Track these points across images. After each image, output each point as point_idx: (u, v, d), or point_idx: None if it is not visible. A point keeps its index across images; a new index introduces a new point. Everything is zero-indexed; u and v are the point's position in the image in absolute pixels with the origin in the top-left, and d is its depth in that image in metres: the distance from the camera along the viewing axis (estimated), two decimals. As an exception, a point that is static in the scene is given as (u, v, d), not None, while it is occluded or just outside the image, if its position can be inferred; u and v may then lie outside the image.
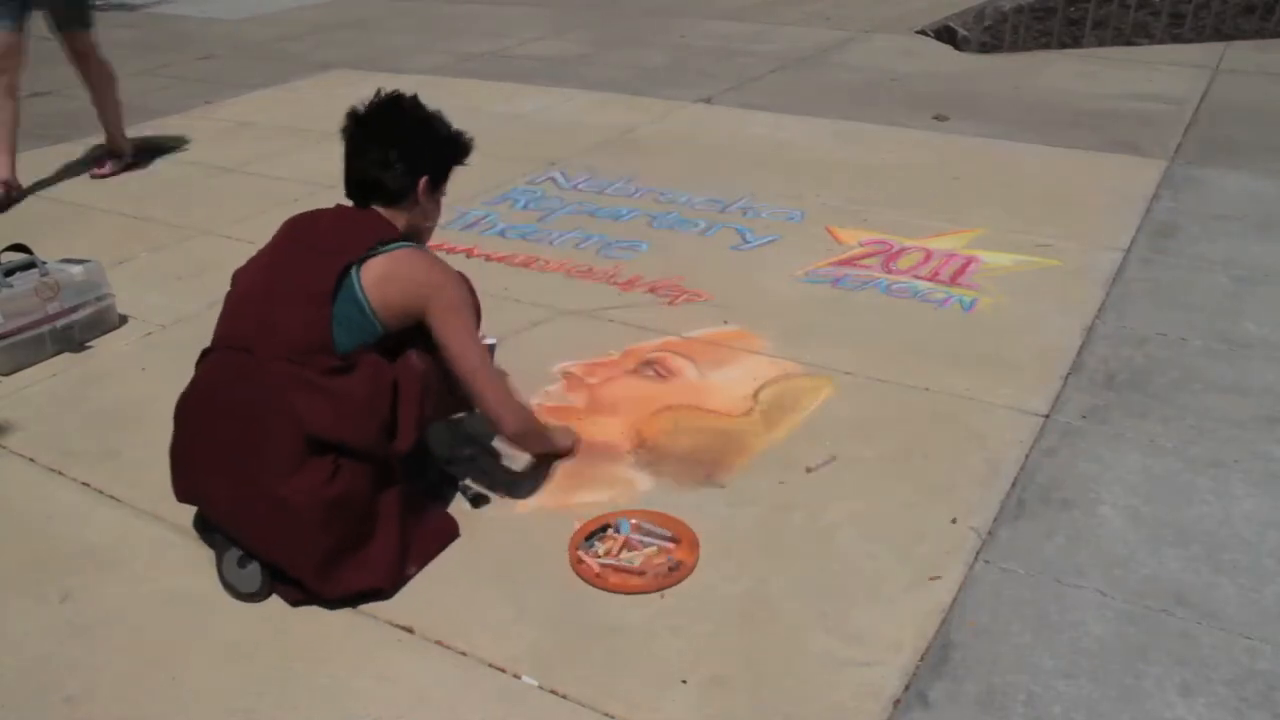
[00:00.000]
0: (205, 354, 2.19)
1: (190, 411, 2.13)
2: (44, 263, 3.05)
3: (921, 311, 3.21)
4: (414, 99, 2.31)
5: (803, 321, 3.15)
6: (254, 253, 2.24)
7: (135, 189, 4.57)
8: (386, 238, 2.16)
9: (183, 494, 2.15)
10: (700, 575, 2.08)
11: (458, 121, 2.40)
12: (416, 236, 2.29)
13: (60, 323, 3.03)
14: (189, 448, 2.12)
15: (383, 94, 2.29)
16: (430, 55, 7.00)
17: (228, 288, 2.22)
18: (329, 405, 2.02)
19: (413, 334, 2.15)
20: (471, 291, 2.23)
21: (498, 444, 2.52)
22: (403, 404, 2.11)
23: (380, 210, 2.22)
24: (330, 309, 2.06)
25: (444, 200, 2.37)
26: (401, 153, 2.21)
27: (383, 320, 2.10)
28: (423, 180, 2.23)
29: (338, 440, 2.01)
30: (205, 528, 2.19)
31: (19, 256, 3.04)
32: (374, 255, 2.11)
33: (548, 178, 4.48)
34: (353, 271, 2.09)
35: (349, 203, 2.26)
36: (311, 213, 2.30)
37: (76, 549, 2.22)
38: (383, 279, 2.10)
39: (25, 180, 4.58)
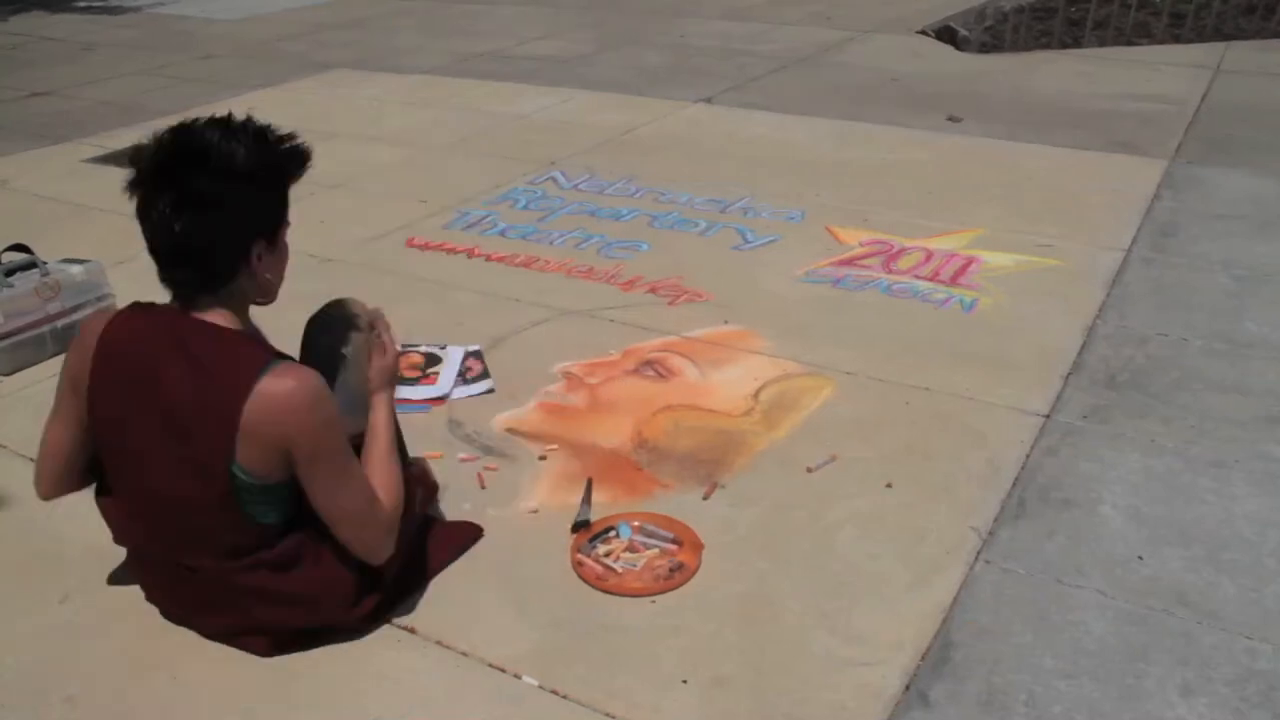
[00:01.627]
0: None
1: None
2: (44, 263, 3.05)
3: (922, 311, 3.21)
4: (225, 120, 1.71)
5: (803, 321, 3.15)
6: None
7: (135, 189, 4.56)
8: (228, 396, 1.70)
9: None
10: (700, 575, 2.08)
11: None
12: (257, 305, 1.85)
13: (61, 323, 3.02)
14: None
15: (181, 134, 1.68)
16: (430, 55, 7.00)
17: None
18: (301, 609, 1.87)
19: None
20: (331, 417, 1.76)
21: (498, 446, 2.52)
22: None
23: (207, 315, 1.77)
24: (237, 508, 1.77)
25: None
26: (213, 219, 1.68)
27: (257, 475, 1.75)
28: (255, 246, 1.75)
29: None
30: None
31: (20, 256, 3.04)
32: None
33: (548, 178, 4.48)
34: (233, 470, 1.73)
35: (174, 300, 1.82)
36: (133, 356, 1.78)
37: (76, 549, 2.21)
38: (248, 448, 1.72)
39: (25, 180, 4.58)
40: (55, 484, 1.98)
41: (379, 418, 1.96)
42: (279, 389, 1.69)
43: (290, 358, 1.83)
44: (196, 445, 1.72)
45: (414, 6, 8.87)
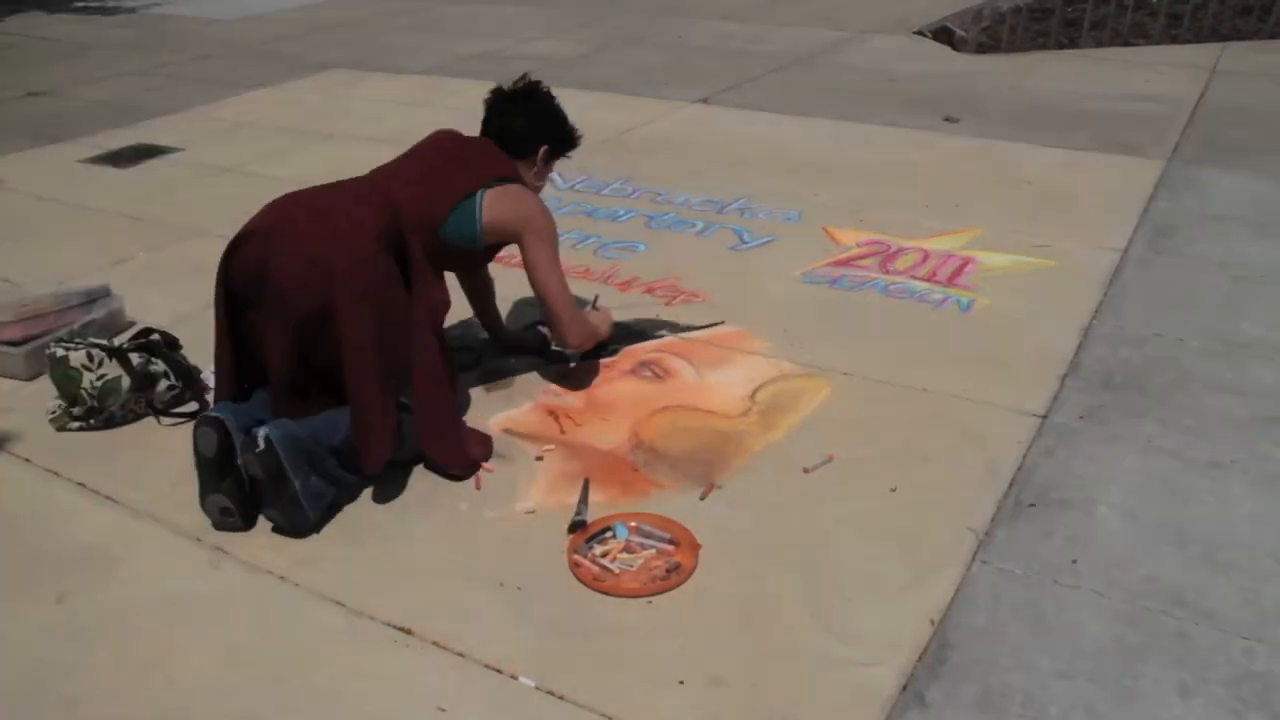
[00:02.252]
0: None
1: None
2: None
3: (919, 312, 3.21)
4: (548, 89, 2.74)
5: (800, 322, 3.15)
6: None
7: (133, 189, 4.56)
8: (508, 175, 2.59)
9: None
10: (697, 575, 2.08)
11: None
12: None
13: (78, 323, 3.03)
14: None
15: (525, 78, 2.74)
16: (428, 55, 7.00)
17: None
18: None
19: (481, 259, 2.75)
20: (555, 232, 2.61)
21: (495, 447, 2.52)
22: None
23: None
24: (455, 203, 2.48)
25: (550, 178, 2.82)
26: (532, 120, 2.67)
27: (485, 235, 2.52)
28: (543, 147, 2.67)
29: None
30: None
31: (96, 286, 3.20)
32: (495, 185, 2.53)
33: (545, 178, 4.48)
34: (478, 195, 2.50)
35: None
36: (460, 137, 2.70)
37: (74, 550, 2.21)
38: (494, 206, 2.50)
39: (22, 179, 4.57)
40: None
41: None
42: (533, 195, 2.68)
43: None
44: (475, 169, 2.58)
45: (411, 6, 8.87)
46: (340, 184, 2.50)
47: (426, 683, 1.85)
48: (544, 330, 2.93)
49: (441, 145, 2.67)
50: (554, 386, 2.81)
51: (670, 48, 7.13)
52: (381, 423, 2.26)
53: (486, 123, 2.70)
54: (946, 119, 5.22)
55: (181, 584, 2.10)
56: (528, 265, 2.56)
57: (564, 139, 2.74)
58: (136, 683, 1.87)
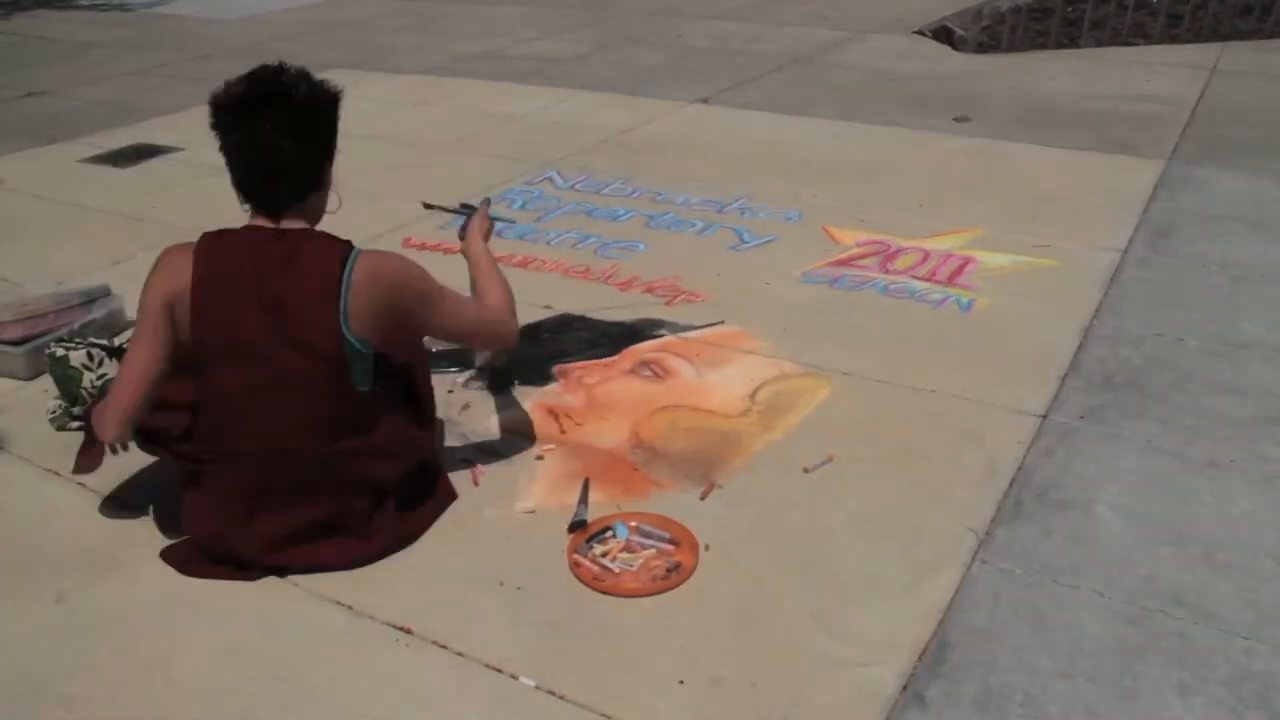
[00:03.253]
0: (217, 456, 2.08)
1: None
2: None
3: (919, 312, 3.21)
4: (282, 65, 2.06)
5: (800, 322, 3.15)
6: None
7: (132, 188, 4.56)
8: (336, 271, 2.00)
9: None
10: (697, 575, 2.08)
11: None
12: (327, 210, 2.15)
13: (78, 323, 3.03)
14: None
15: (258, 75, 2.03)
16: (428, 55, 7.00)
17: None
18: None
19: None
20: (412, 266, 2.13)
21: (494, 446, 2.52)
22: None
23: (290, 224, 2.05)
24: (346, 377, 2.05)
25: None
26: (306, 143, 2.03)
27: (374, 346, 2.08)
28: (328, 166, 2.11)
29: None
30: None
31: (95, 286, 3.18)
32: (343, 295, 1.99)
33: (545, 178, 4.48)
34: (344, 332, 2.00)
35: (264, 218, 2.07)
36: (231, 273, 2.01)
37: (73, 550, 2.21)
38: (359, 318, 2.01)
39: (21, 179, 4.57)
40: (135, 411, 2.04)
41: (477, 250, 2.38)
42: (373, 259, 2.05)
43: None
44: (310, 326, 1.99)
45: (411, 7, 8.87)
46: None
47: (426, 683, 1.85)
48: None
49: (256, 314, 2.00)
50: (554, 386, 2.81)
51: (670, 48, 7.13)
52: None
53: (243, 186, 2.07)
54: (957, 119, 5.22)
55: (181, 584, 2.10)
56: (438, 331, 2.20)
57: (336, 133, 2.11)
58: (136, 683, 1.87)
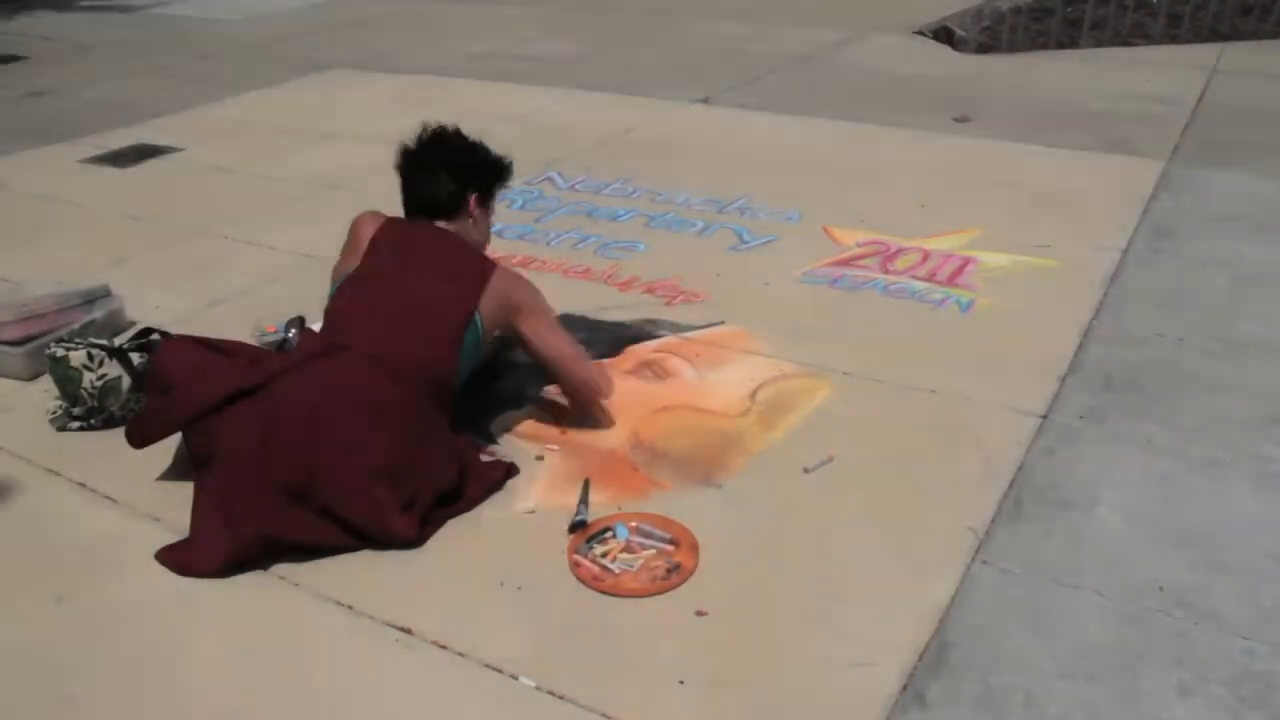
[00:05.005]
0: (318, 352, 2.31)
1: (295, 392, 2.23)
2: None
3: (919, 312, 3.21)
4: (456, 129, 2.62)
5: (800, 322, 3.15)
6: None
7: (133, 189, 4.56)
8: (481, 266, 2.47)
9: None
10: (697, 575, 2.08)
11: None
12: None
13: (78, 323, 3.03)
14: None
15: (428, 129, 2.58)
16: (428, 55, 7.00)
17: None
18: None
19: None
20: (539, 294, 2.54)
21: (495, 446, 2.52)
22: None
23: (444, 225, 2.53)
24: (459, 349, 2.38)
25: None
26: (451, 172, 2.53)
27: (486, 337, 2.46)
28: (473, 196, 2.56)
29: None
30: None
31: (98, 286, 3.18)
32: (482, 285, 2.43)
33: (545, 178, 4.48)
34: (477, 318, 2.40)
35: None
36: (409, 229, 2.54)
37: (73, 550, 2.21)
38: (487, 307, 2.42)
39: (22, 179, 4.57)
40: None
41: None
42: (507, 274, 2.52)
43: None
44: (459, 282, 2.42)
45: (412, 7, 8.87)
46: (339, 365, 2.27)
47: (426, 683, 1.85)
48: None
49: (409, 258, 2.49)
50: (554, 386, 2.81)
51: (670, 48, 7.13)
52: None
53: (407, 197, 2.57)
54: (957, 119, 5.22)
55: (181, 584, 2.10)
56: (530, 346, 2.52)
57: (488, 178, 2.63)
58: (136, 682, 1.87)
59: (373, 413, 2.18)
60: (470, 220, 2.57)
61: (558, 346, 2.52)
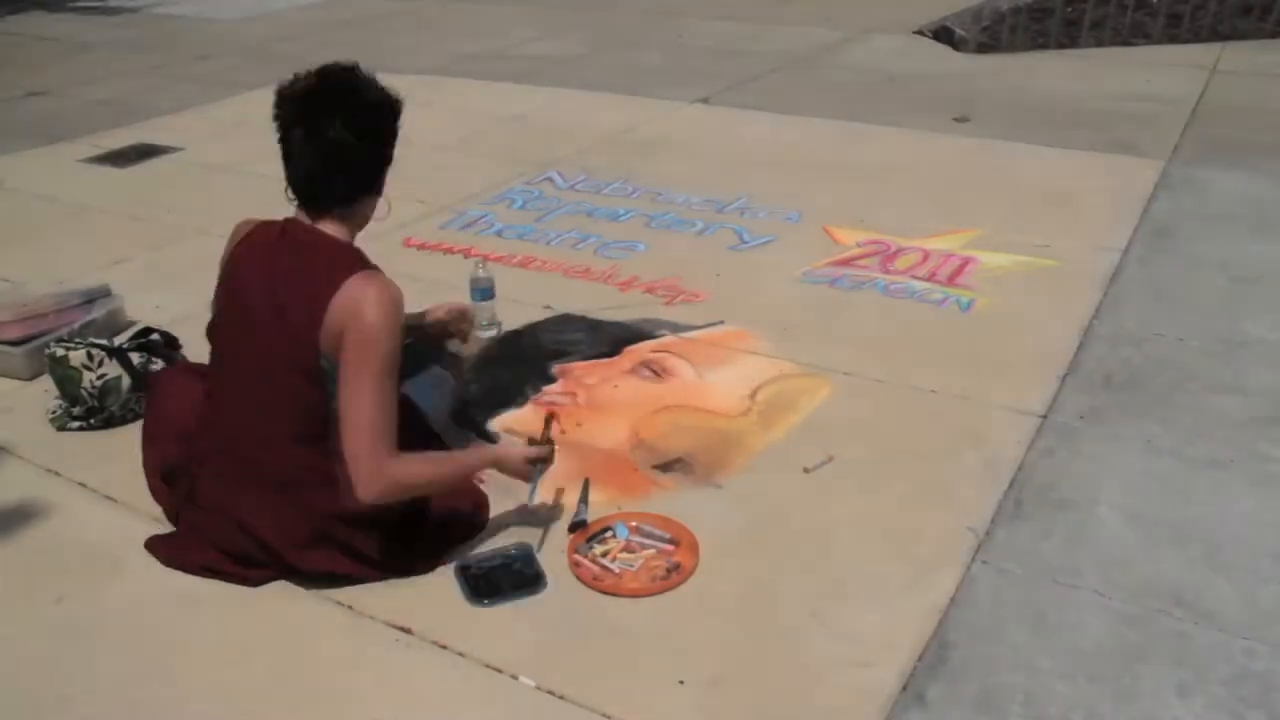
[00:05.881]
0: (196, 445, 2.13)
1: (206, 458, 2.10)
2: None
3: (919, 312, 3.21)
4: (351, 71, 2.05)
5: (800, 322, 3.15)
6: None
7: (133, 189, 4.56)
8: (338, 279, 1.95)
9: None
10: (697, 575, 2.08)
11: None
12: (373, 220, 2.12)
13: (78, 323, 3.03)
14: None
15: (315, 78, 2.01)
16: (428, 55, 7.00)
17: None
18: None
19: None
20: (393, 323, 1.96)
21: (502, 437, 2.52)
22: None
23: (329, 226, 2.04)
24: (322, 389, 1.98)
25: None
26: (349, 148, 1.98)
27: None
28: (381, 181, 2.10)
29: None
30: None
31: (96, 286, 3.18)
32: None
33: (545, 178, 4.48)
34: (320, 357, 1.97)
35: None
36: (265, 248, 2.07)
37: (74, 550, 2.21)
38: (326, 331, 1.95)
39: (21, 179, 4.57)
40: None
41: (482, 455, 2.23)
42: (357, 286, 1.93)
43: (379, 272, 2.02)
44: (295, 322, 1.95)
45: (411, 7, 8.87)
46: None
47: (426, 682, 1.85)
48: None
49: (256, 298, 2.03)
50: (554, 386, 2.81)
51: (670, 48, 7.13)
52: None
53: (311, 166, 2.02)
54: (957, 119, 5.22)
55: (181, 583, 2.10)
56: (339, 385, 1.95)
57: (394, 143, 2.09)
58: (136, 682, 1.87)
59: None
60: (374, 199, 2.09)
61: (351, 406, 1.92)
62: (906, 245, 3.68)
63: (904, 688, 1.81)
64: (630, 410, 2.69)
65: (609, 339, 3.06)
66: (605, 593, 2.04)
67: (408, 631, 1.95)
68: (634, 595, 2.03)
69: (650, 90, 5.94)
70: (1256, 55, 6.39)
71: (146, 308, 3.26)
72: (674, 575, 2.07)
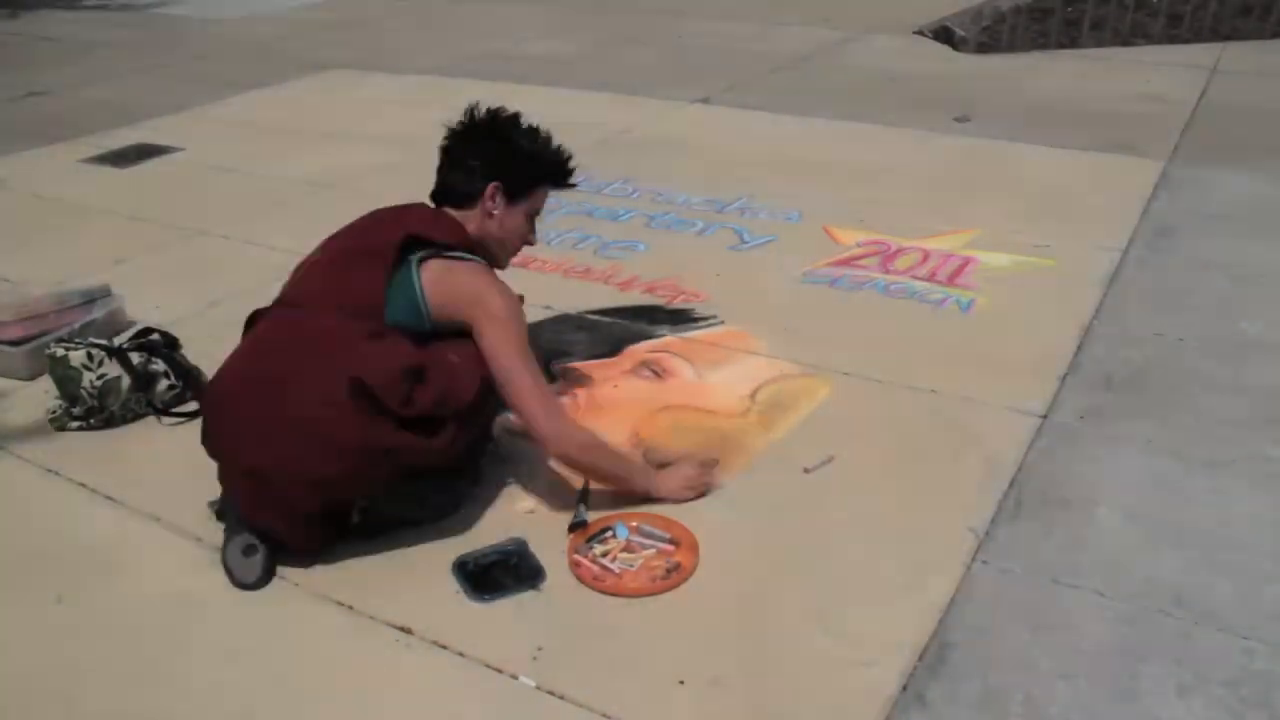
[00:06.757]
0: (257, 315, 2.27)
1: (235, 363, 2.19)
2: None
3: (919, 312, 3.21)
4: (511, 115, 2.38)
5: (800, 322, 3.15)
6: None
7: (133, 189, 4.56)
8: (454, 241, 2.24)
9: (211, 447, 2.17)
10: (697, 575, 2.08)
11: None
12: (487, 250, 2.35)
13: (78, 323, 3.03)
14: (226, 396, 2.15)
15: (480, 110, 2.36)
16: (429, 55, 7.00)
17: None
18: (364, 358, 2.05)
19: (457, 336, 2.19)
20: (520, 312, 2.23)
21: (495, 446, 2.52)
22: (426, 388, 2.07)
23: (451, 212, 2.32)
24: (385, 274, 2.15)
25: (538, 224, 2.51)
26: (473, 157, 2.32)
27: (434, 318, 2.16)
28: (491, 186, 2.31)
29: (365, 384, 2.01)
30: (222, 513, 2.20)
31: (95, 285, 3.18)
32: (438, 256, 2.20)
33: (545, 178, 4.47)
34: (412, 260, 2.17)
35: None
36: (394, 206, 2.39)
37: (74, 550, 2.22)
38: (438, 280, 2.17)
39: (22, 179, 4.57)
40: None
41: (647, 481, 2.32)
42: (478, 267, 2.26)
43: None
44: (392, 229, 2.22)
45: (412, 7, 8.87)
46: (294, 322, 2.19)
47: (426, 683, 1.85)
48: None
49: (368, 220, 2.36)
50: (554, 386, 2.81)
51: (670, 48, 7.13)
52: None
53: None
54: (958, 119, 5.22)
55: (182, 584, 2.10)
56: (485, 354, 2.16)
57: (519, 171, 2.36)
58: (136, 682, 1.87)
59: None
60: (488, 214, 2.33)
61: (502, 364, 2.16)
62: (906, 245, 3.68)
63: (904, 688, 1.81)
64: (630, 410, 2.69)
65: (609, 339, 3.06)
66: (605, 593, 2.04)
67: (408, 631, 1.96)
68: (634, 595, 2.03)
69: (650, 90, 5.94)
70: (1256, 55, 6.39)
71: (146, 308, 3.26)
72: (674, 575, 2.08)
